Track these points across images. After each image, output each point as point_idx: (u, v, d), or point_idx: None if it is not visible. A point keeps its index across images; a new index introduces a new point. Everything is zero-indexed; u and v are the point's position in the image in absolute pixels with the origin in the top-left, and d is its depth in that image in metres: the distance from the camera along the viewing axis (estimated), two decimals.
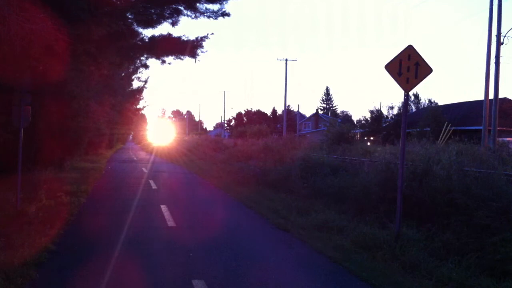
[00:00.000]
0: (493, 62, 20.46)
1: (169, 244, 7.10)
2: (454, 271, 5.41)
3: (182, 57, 14.48)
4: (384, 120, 42.08)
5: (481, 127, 21.61)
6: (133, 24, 12.88)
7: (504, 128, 27.14)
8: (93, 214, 9.79)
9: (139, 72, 28.60)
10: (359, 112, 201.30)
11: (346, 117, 75.43)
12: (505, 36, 20.63)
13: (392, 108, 43.09)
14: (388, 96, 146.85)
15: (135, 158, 36.77)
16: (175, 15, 12.71)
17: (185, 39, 13.92)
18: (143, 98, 45.31)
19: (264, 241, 7.60)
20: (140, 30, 13.60)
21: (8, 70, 8.67)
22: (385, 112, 43.48)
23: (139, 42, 14.14)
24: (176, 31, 76.53)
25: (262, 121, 68.10)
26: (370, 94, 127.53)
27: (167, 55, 14.51)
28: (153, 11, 12.36)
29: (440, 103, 47.04)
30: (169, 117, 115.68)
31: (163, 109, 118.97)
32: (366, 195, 8.97)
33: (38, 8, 7.39)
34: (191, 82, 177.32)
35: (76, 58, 10.43)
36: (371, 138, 36.29)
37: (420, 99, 61.39)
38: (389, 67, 6.99)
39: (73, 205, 10.19)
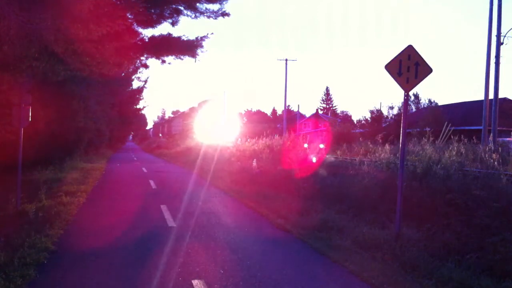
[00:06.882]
0: (493, 62, 20.49)
1: (169, 244, 7.09)
2: (454, 271, 5.39)
3: (182, 57, 14.47)
4: (384, 120, 42.20)
5: (481, 127, 21.62)
6: (133, 24, 12.87)
7: (504, 128, 27.14)
8: (93, 214, 9.78)
9: (139, 72, 28.64)
10: (359, 112, 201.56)
11: (346, 117, 75.47)
12: (505, 36, 20.68)
13: (392, 108, 43.19)
14: (388, 96, 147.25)
15: (134, 158, 36.88)
16: (175, 15, 12.72)
17: (185, 39, 13.91)
18: (143, 98, 45.37)
19: (264, 241, 7.59)
20: (140, 30, 13.60)
21: (8, 70, 8.67)
22: (385, 112, 43.64)
23: (139, 42, 14.14)
24: (176, 31, 76.62)
25: (262, 121, 68.15)
26: (370, 94, 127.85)
27: (167, 55, 14.50)
28: (153, 11, 12.35)
29: (440, 103, 47.08)
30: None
31: (163, 109, 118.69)
32: (366, 195, 8.97)
33: (38, 8, 7.38)
34: (191, 82, 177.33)
35: (76, 58, 10.42)
36: (371, 138, 36.34)
37: (420, 99, 61.08)
38: (389, 67, 6.99)
39: (73, 205, 10.19)
